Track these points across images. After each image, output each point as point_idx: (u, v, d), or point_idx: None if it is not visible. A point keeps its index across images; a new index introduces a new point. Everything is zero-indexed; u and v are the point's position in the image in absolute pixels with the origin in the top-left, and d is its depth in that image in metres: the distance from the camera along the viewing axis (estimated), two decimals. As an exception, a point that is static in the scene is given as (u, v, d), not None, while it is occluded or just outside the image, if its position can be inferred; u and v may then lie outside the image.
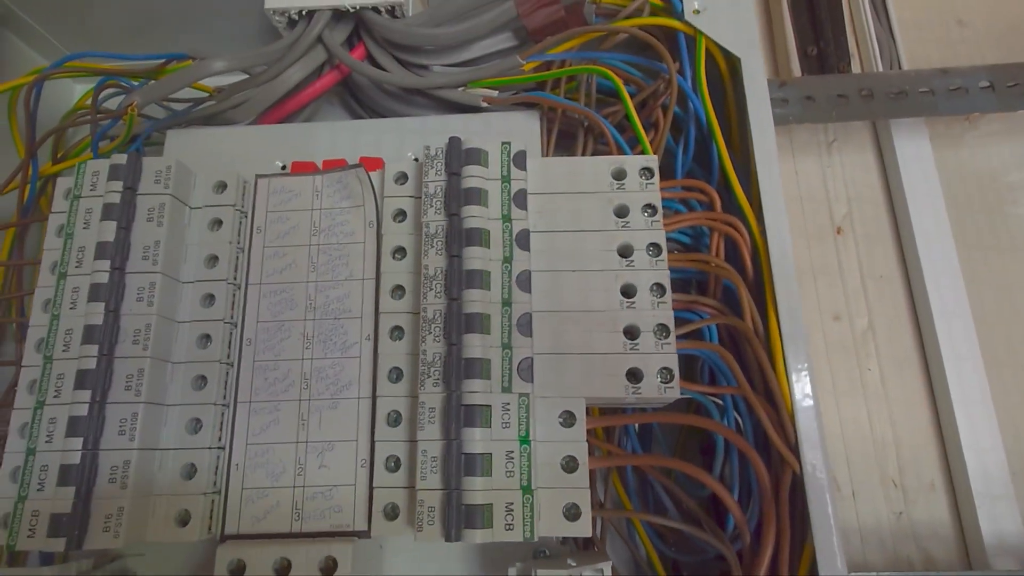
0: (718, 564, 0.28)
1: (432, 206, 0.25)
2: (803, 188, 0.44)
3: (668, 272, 0.25)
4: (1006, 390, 0.38)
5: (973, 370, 0.38)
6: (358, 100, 0.37)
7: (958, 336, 0.38)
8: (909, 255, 0.41)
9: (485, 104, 0.32)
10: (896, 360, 0.40)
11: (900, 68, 0.44)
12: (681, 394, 0.24)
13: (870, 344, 0.40)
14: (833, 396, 0.39)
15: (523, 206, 0.25)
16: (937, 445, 0.38)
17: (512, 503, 0.22)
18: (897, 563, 0.36)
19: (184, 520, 0.24)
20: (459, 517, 0.21)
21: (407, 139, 0.32)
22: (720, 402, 0.27)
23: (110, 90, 0.35)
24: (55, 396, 0.24)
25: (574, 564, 0.23)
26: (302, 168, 0.30)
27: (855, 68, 0.45)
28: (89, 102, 0.36)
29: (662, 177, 0.27)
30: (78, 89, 0.42)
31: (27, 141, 0.31)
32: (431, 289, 0.24)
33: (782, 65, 0.46)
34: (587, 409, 0.24)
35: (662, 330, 0.24)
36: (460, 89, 0.33)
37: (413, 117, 0.34)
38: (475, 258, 0.24)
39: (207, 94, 0.34)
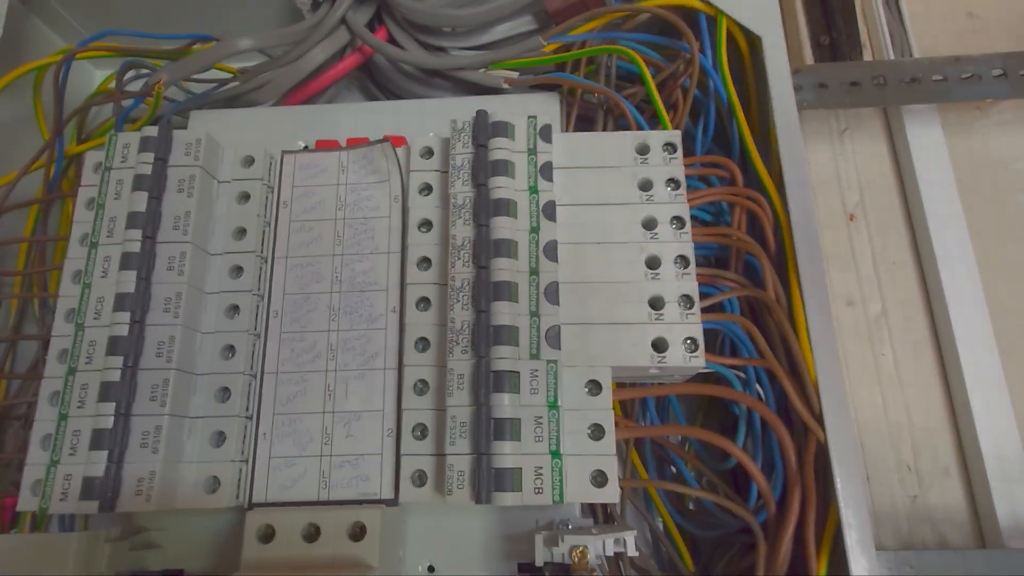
0: (738, 538, 0.28)
1: (459, 178, 0.26)
2: (816, 175, 0.44)
3: (692, 244, 0.25)
4: (1020, 374, 0.38)
5: (987, 355, 0.38)
6: (378, 84, 0.38)
7: (972, 321, 0.39)
8: (922, 241, 0.41)
9: (506, 85, 0.33)
10: (910, 345, 0.40)
11: (912, 58, 0.44)
12: (706, 366, 0.25)
13: (884, 329, 0.40)
14: (848, 382, 0.39)
15: (549, 178, 0.26)
16: (951, 429, 0.38)
17: (541, 467, 0.22)
18: (912, 546, 0.36)
19: (213, 487, 0.24)
20: (489, 480, 0.22)
21: (428, 120, 0.32)
22: (743, 375, 0.27)
23: (132, 72, 0.36)
24: (87, 362, 0.24)
25: (597, 533, 0.23)
26: (326, 146, 0.30)
27: (867, 57, 0.45)
28: (111, 86, 0.36)
29: (683, 157, 0.27)
30: (98, 75, 0.42)
31: (55, 119, 0.32)
32: (459, 259, 0.25)
33: (795, 54, 0.46)
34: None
35: (686, 301, 0.25)
36: (481, 71, 0.33)
37: (434, 99, 0.34)
38: (503, 228, 0.24)
39: (231, 75, 0.34)
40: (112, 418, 0.23)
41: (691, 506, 0.31)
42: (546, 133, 0.26)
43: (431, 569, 0.27)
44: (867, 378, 0.39)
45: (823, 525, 0.24)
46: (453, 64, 0.33)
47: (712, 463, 0.28)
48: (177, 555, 0.27)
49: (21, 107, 0.36)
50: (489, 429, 0.22)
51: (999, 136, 0.44)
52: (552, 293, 0.24)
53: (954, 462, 0.38)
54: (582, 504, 0.27)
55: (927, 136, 0.43)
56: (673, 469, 0.30)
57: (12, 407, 0.32)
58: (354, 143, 0.30)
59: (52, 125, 0.33)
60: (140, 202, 0.25)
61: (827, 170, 0.44)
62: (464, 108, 0.32)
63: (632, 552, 0.24)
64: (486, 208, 0.25)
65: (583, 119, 0.34)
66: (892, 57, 0.45)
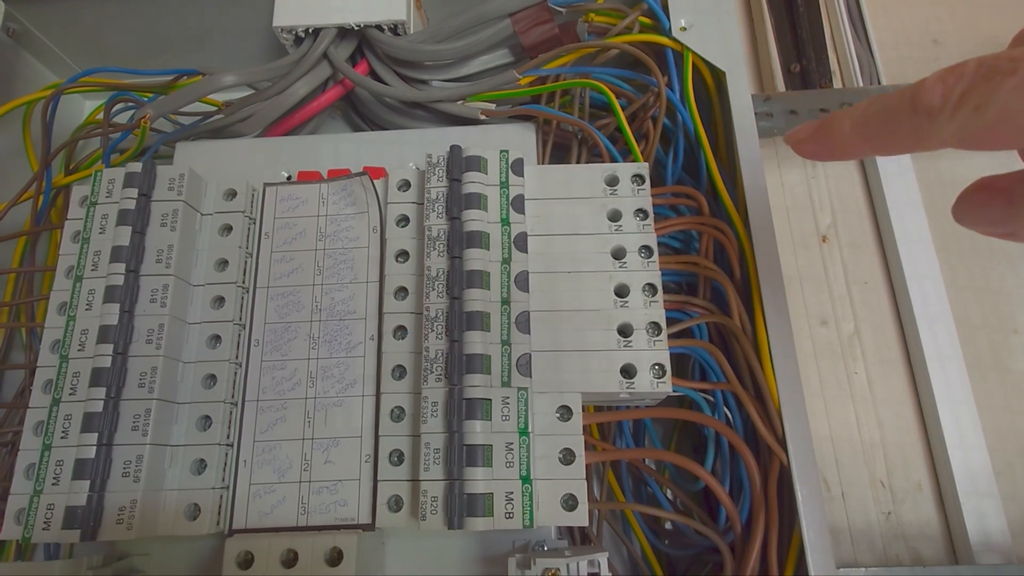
0: (711, 558, 0.29)
1: (434, 210, 0.27)
2: (789, 199, 0.45)
3: (659, 273, 0.26)
4: (988, 391, 0.39)
5: (956, 372, 0.39)
6: (360, 114, 0.39)
7: (941, 339, 0.40)
8: (892, 262, 0.43)
9: (483, 117, 0.34)
10: (882, 363, 0.41)
11: (880, 85, 0.46)
12: (673, 390, 0.25)
13: (856, 348, 0.41)
14: (822, 399, 0.40)
15: (521, 210, 0.27)
16: (923, 446, 0.39)
17: (512, 492, 0.23)
18: (887, 562, 0.37)
19: (194, 514, 0.24)
20: (461, 506, 0.22)
21: (408, 150, 0.33)
22: (711, 398, 0.28)
23: (120, 105, 0.37)
24: (71, 394, 0.25)
25: (570, 555, 0.24)
26: (308, 177, 0.31)
27: (836, 85, 0.47)
28: (99, 117, 0.37)
29: (653, 185, 0.28)
30: (88, 105, 0.43)
31: (42, 152, 0.33)
32: (433, 289, 0.25)
33: (767, 81, 0.47)
34: (582, 407, 0.25)
35: (654, 328, 0.26)
36: (459, 102, 0.34)
37: (414, 129, 0.35)
38: (475, 259, 0.25)
39: (216, 108, 0.35)
40: (94, 448, 0.23)
41: (668, 526, 0.31)
42: (518, 167, 0.27)
43: (410, 592, 0.27)
44: (841, 396, 0.40)
45: (788, 544, 0.25)
46: (432, 97, 0.34)
47: (685, 485, 0.29)
48: (160, 581, 0.27)
49: (10, 140, 0.37)
50: (461, 455, 0.23)
51: (965, 159, 0.46)
52: (523, 322, 0.25)
53: (926, 477, 0.39)
54: (558, 526, 0.28)
55: (895, 160, 0.44)
56: (649, 490, 0.31)
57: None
58: (335, 175, 0.31)
59: (40, 158, 0.33)
60: (124, 236, 0.26)
61: (800, 194, 0.45)
62: (443, 139, 0.33)
63: (606, 574, 0.24)
64: (459, 240, 0.25)
65: (559, 147, 0.35)
66: (861, 83, 0.46)
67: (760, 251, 0.27)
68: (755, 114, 0.31)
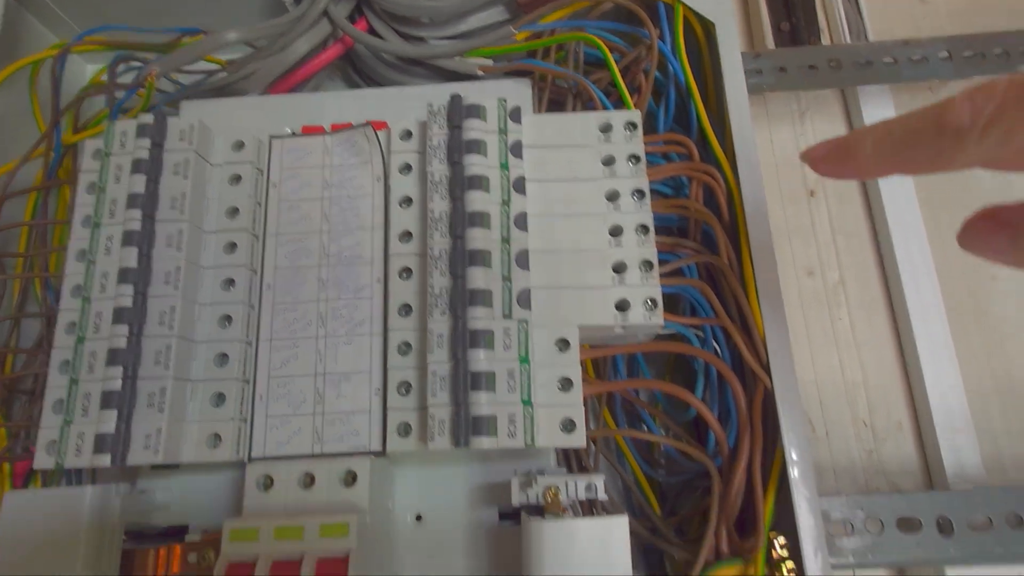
0: (699, 483, 0.31)
1: (436, 156, 0.28)
2: (778, 155, 0.47)
3: (651, 214, 0.28)
4: (967, 334, 0.41)
5: (936, 317, 0.41)
6: (359, 72, 0.40)
7: (922, 286, 0.41)
8: (877, 214, 0.44)
9: (480, 72, 0.35)
10: (865, 310, 0.43)
11: (867, 41, 0.47)
12: (665, 325, 0.27)
13: (841, 296, 0.43)
14: (808, 345, 0.42)
15: (519, 155, 0.28)
16: (904, 387, 0.41)
17: (514, 414, 0.24)
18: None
19: (215, 443, 0.26)
20: (467, 426, 0.24)
21: (408, 105, 0.34)
22: (700, 334, 0.29)
23: (123, 66, 0.37)
24: (95, 332, 0.26)
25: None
26: (311, 131, 0.32)
27: (824, 42, 0.48)
28: (103, 78, 0.38)
29: (645, 135, 0.29)
30: (89, 69, 0.44)
31: (52, 110, 0.34)
32: (437, 230, 0.27)
33: (757, 39, 0.48)
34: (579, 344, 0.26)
35: (647, 265, 0.27)
36: (456, 58, 0.35)
37: (413, 86, 0.36)
38: (477, 201, 0.26)
39: (219, 66, 0.36)
40: (120, 381, 0.25)
41: (661, 460, 0.33)
42: (516, 114, 0.28)
43: (419, 518, 0.29)
44: (826, 341, 0.42)
45: (771, 466, 0.27)
46: (430, 53, 0.35)
47: (675, 415, 0.31)
48: (182, 512, 0.29)
49: (16, 101, 0.38)
50: (466, 381, 0.24)
51: (949, 114, 0.47)
52: (523, 259, 0.26)
53: (906, 417, 0.41)
54: (557, 455, 0.29)
55: (881, 116, 0.46)
56: (644, 427, 0.33)
57: (18, 382, 0.34)
58: (338, 128, 0.32)
59: (49, 117, 0.34)
60: (139, 184, 0.27)
61: (789, 149, 0.47)
62: (441, 94, 0.34)
63: (602, 496, 0.26)
64: (461, 183, 0.27)
65: (554, 103, 0.36)
66: (849, 41, 0.47)
67: (747, 193, 0.28)
68: (745, 71, 0.33)
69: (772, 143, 0.47)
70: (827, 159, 0.19)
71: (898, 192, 0.44)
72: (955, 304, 0.42)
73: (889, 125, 0.18)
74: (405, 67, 0.37)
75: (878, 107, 0.46)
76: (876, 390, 0.41)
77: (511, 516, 0.29)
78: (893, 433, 0.40)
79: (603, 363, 0.32)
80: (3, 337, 0.35)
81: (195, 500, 0.29)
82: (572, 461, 0.31)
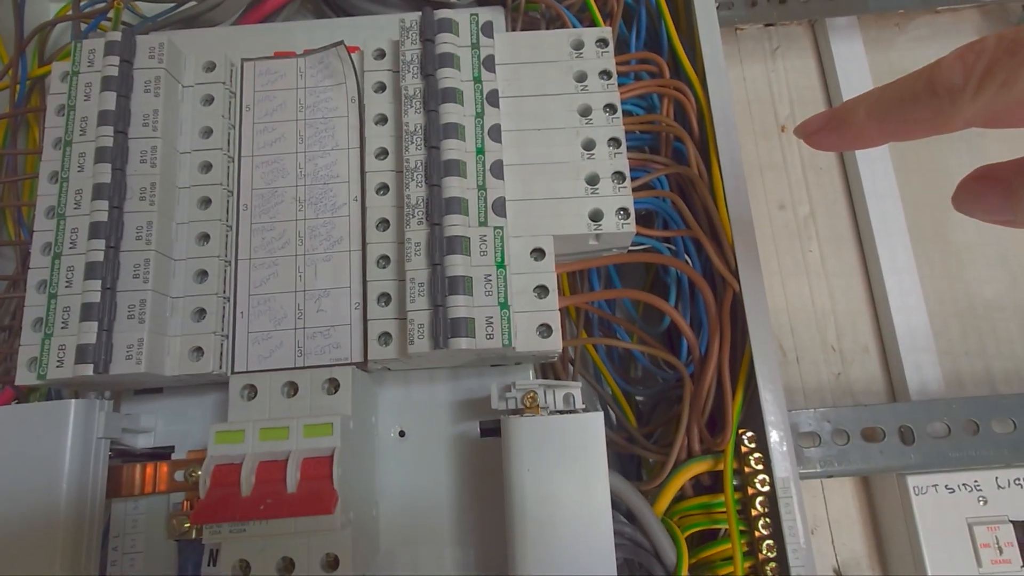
0: (673, 393, 0.32)
1: (409, 71, 0.28)
2: (750, 92, 0.47)
3: (622, 128, 0.28)
4: (930, 261, 0.43)
5: (901, 245, 0.42)
6: (330, 4, 0.39)
7: (888, 215, 0.43)
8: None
9: (454, 0, 0.35)
10: (834, 241, 0.44)
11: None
12: (637, 238, 0.28)
13: (811, 228, 0.44)
14: (779, 276, 0.43)
15: (492, 69, 0.28)
16: (870, 313, 0.43)
17: (492, 317, 0.25)
18: (836, 412, 0.40)
19: (197, 356, 0.26)
20: (445, 329, 0.24)
21: (380, 35, 0.33)
22: (672, 247, 0.30)
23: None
24: (71, 247, 0.26)
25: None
26: (283, 55, 0.32)
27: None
28: (69, 13, 0.37)
29: (617, 56, 0.30)
30: (52, 7, 0.43)
31: (16, 39, 0.33)
32: (412, 143, 0.27)
33: (729, -26, 0.49)
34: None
35: (618, 176, 0.28)
36: (429, -15, 0.35)
37: (385, 15, 0.36)
38: (451, 113, 0.27)
39: (187, -5, 0.36)
40: (99, 293, 0.25)
41: (637, 375, 0.34)
42: (488, 29, 0.28)
43: (402, 434, 0.30)
44: (796, 272, 0.43)
45: (738, 368, 0.28)
46: (402, -21, 0.35)
47: (648, 329, 0.32)
48: (166, 435, 0.29)
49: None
50: (444, 286, 0.25)
51: (915, 49, 0.48)
52: (497, 169, 0.27)
53: (872, 341, 0.42)
54: (535, 370, 0.30)
55: (850, 51, 0.46)
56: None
57: (-4, 319, 0.34)
58: (310, 52, 0.32)
59: (13, 48, 0.34)
60: (109, 101, 0.27)
61: (761, 86, 0.47)
62: (413, 19, 0.34)
63: (579, 405, 0.27)
64: (435, 96, 0.27)
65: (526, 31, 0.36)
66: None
67: (716, 104, 0.29)
68: (716, 3, 0.33)
69: (744, 80, 0.47)
70: (821, 131, 0.19)
71: (866, 125, 0.45)
72: (918, 233, 0.43)
73: (881, 90, 0.17)
74: (377, -4, 0.37)
75: (848, 42, 0.46)
76: (844, 316, 0.43)
77: (493, 432, 0.29)
78: (860, 356, 0.42)
79: (578, 280, 0.33)
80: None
81: (180, 424, 0.30)
82: (551, 377, 0.32)
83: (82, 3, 0.36)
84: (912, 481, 0.35)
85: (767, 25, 0.48)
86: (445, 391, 0.30)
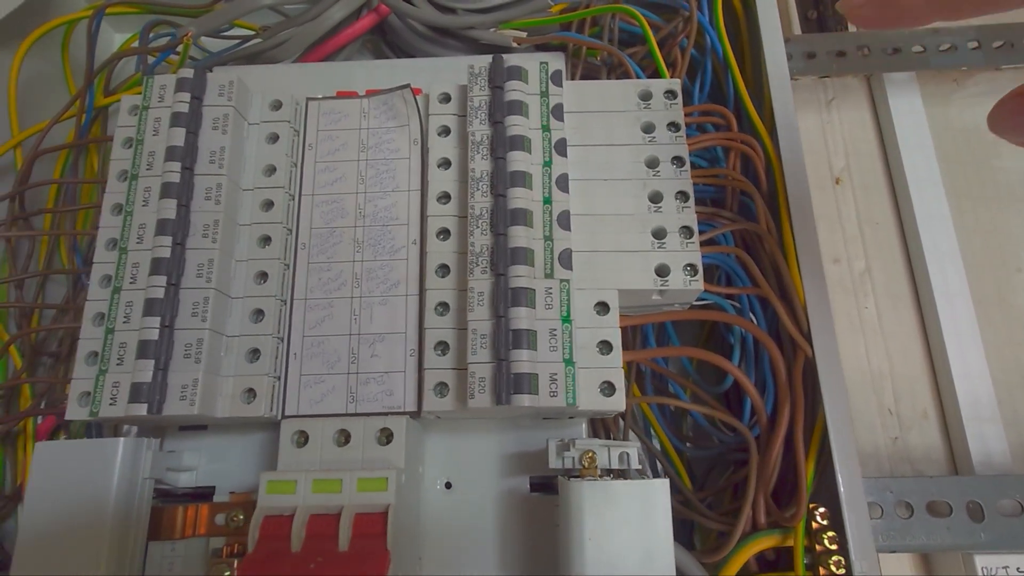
0: (731, 456, 0.30)
1: (477, 117, 0.28)
2: (804, 142, 0.46)
3: (691, 181, 0.28)
4: (993, 326, 0.41)
5: (963, 306, 0.41)
6: (391, 45, 0.39)
7: (949, 275, 0.41)
8: (903, 203, 0.44)
9: (515, 44, 0.35)
10: (891, 298, 0.42)
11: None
12: (703, 292, 0.27)
13: (867, 284, 0.43)
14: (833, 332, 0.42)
15: (560, 118, 0.28)
16: (929, 376, 0.41)
17: (556, 373, 0.24)
18: (893, 480, 0.38)
19: (250, 398, 0.26)
20: (508, 384, 0.24)
21: (440, 77, 0.34)
22: (736, 304, 0.29)
23: (154, 33, 0.37)
24: (131, 282, 0.26)
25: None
26: (346, 95, 0.32)
27: (851, 30, 0.48)
28: (134, 44, 0.38)
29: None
30: (117, 38, 0.44)
31: (87, 69, 0.33)
32: (478, 189, 0.27)
33: (785, 26, 0.48)
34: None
35: (686, 231, 0.27)
36: (492, 30, 0.35)
37: (445, 57, 0.36)
38: (518, 160, 0.26)
39: (252, 32, 0.36)
40: (157, 330, 0.24)
41: (689, 433, 0.33)
42: (557, 77, 0.28)
43: (448, 485, 0.29)
44: (852, 329, 0.42)
45: (810, 436, 0.26)
46: (465, 23, 0.35)
47: (708, 388, 0.30)
48: (209, 474, 0.29)
49: (45, 64, 0.37)
50: (508, 339, 0.24)
51: (973, 106, 0.47)
52: (564, 220, 0.26)
53: (932, 406, 0.40)
54: (590, 425, 0.29)
55: (908, 105, 0.46)
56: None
57: (43, 344, 0.34)
58: (373, 92, 0.32)
59: (83, 78, 0.34)
60: (178, 137, 0.27)
61: (815, 137, 0.47)
62: (475, 64, 0.34)
63: (635, 465, 0.26)
64: (503, 143, 0.27)
65: (586, 79, 0.36)
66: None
67: (787, 159, 0.28)
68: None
69: (799, 130, 0.47)
70: (867, 6, 0.18)
71: (925, 181, 0.44)
72: (980, 296, 0.41)
73: None
74: (437, 39, 0.37)
75: (905, 96, 0.46)
76: (902, 379, 0.41)
77: (542, 487, 0.28)
78: (918, 421, 0.40)
79: (632, 335, 0.32)
80: (30, 297, 0.34)
81: (222, 463, 0.29)
82: (600, 432, 0.31)
83: (151, 34, 0.37)
84: (980, 561, 0.33)
85: (822, 77, 0.47)
86: (495, 443, 0.29)
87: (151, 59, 0.35)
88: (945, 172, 0.44)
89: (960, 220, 0.43)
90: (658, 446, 0.31)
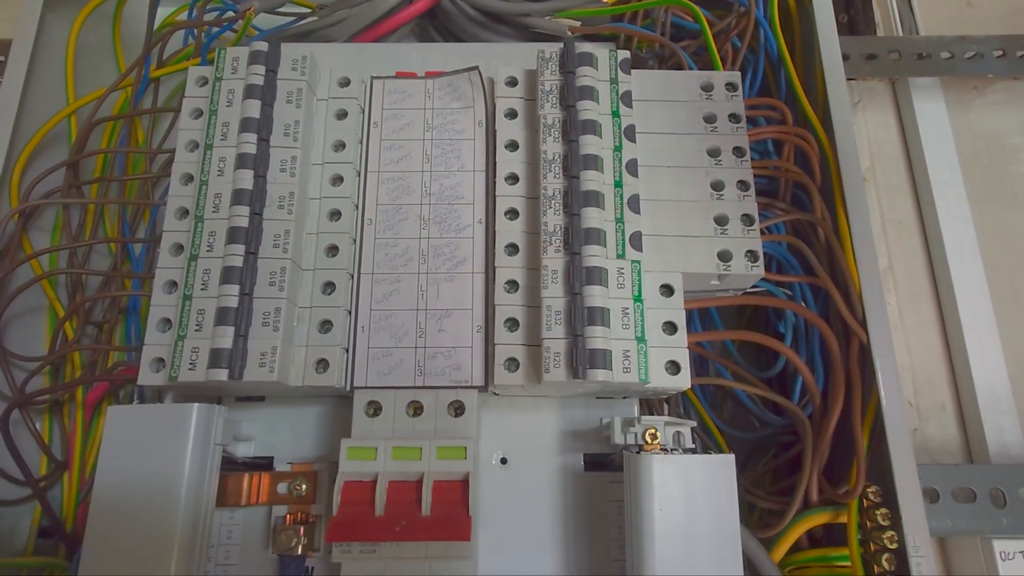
0: (774, 439, 0.31)
1: (548, 101, 0.28)
2: (831, 142, 0.48)
3: (751, 171, 0.28)
4: (1010, 323, 0.43)
5: (982, 304, 0.42)
6: (439, 29, 0.40)
7: (968, 274, 0.43)
8: (925, 203, 0.45)
9: (570, 33, 0.35)
10: (912, 295, 0.44)
11: (918, 35, 0.48)
12: (759, 281, 0.28)
13: (889, 281, 0.44)
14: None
15: (629, 104, 0.28)
16: (947, 371, 0.42)
17: (628, 350, 0.25)
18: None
19: (322, 368, 0.26)
20: (584, 359, 0.24)
21: (493, 62, 0.34)
22: (788, 292, 0.30)
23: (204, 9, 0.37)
24: (208, 250, 0.26)
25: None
26: (405, 75, 0.32)
27: (880, 35, 0.49)
28: (184, 17, 0.38)
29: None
30: (161, 12, 0.43)
31: (146, 39, 0.33)
32: (550, 171, 0.27)
33: (816, 29, 0.50)
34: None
35: (747, 219, 0.28)
36: (547, 17, 0.36)
37: (498, 43, 0.37)
38: (590, 144, 0.27)
39: (309, 10, 0.36)
40: (236, 298, 0.25)
41: (728, 417, 0.34)
42: (625, 65, 0.29)
43: (503, 461, 0.29)
44: (874, 323, 0.43)
45: (863, 416, 0.28)
46: (520, 10, 0.36)
47: (753, 372, 0.31)
48: (264, 444, 0.29)
49: (89, 35, 0.37)
50: (583, 316, 0.25)
51: (993, 114, 0.49)
52: (634, 203, 0.27)
53: (949, 399, 0.42)
54: (640, 405, 0.30)
55: (932, 110, 0.47)
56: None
57: (89, 313, 0.33)
58: (433, 75, 0.32)
59: (142, 48, 0.34)
60: (253, 109, 0.27)
61: (840, 138, 0.48)
62: (527, 53, 0.35)
63: (688, 444, 0.27)
64: (576, 127, 0.27)
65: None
66: (901, 33, 0.49)
67: (843, 151, 0.29)
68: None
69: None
70: None
71: (947, 183, 0.45)
72: (998, 295, 0.43)
73: None
74: (490, 24, 0.38)
75: (929, 101, 0.47)
76: (922, 372, 0.42)
77: (596, 466, 0.29)
78: (937, 413, 0.42)
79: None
80: (79, 265, 0.34)
81: (277, 435, 0.29)
82: (643, 410, 0.31)
83: (195, 9, 0.37)
84: (999, 546, 0.34)
85: (849, 79, 0.48)
86: (551, 420, 0.29)
87: (202, 33, 0.35)
88: (966, 174, 0.45)
89: (980, 221, 0.44)
90: (702, 426, 0.32)
